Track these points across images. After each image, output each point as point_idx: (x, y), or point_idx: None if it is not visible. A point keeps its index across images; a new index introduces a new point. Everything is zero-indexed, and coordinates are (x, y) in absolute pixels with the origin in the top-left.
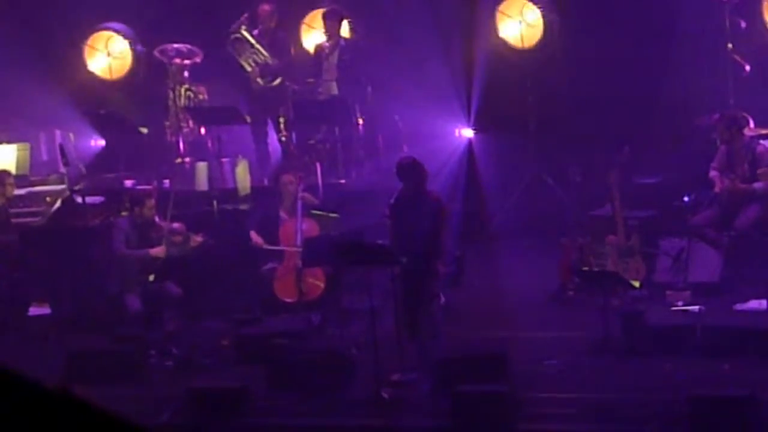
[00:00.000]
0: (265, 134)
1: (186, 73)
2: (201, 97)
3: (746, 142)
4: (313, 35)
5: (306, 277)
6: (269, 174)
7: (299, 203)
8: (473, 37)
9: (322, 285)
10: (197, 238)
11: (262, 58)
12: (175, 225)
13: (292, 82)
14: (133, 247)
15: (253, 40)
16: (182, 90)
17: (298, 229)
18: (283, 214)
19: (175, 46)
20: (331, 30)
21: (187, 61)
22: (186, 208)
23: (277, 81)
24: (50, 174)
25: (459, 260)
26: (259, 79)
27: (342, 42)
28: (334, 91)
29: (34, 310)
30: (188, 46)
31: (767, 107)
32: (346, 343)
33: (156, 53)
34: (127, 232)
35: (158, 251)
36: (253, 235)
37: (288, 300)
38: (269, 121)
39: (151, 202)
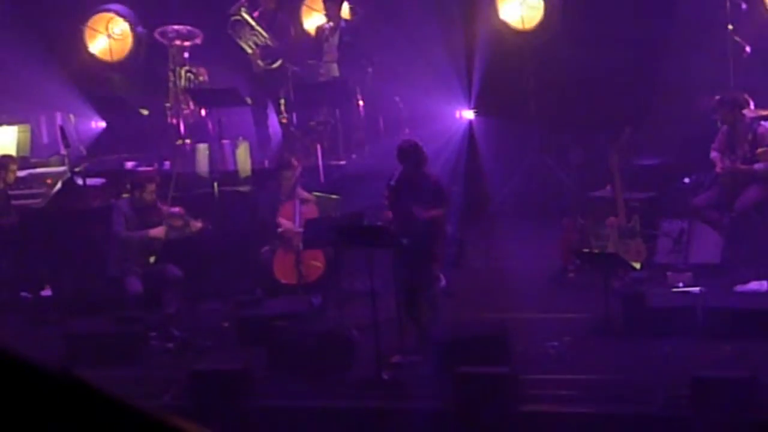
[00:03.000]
0: (266, 116)
1: (186, 55)
2: (201, 78)
3: (747, 123)
4: (313, 17)
5: (305, 260)
6: (270, 159)
7: (298, 188)
8: (474, 18)
9: (321, 267)
10: (197, 224)
11: (263, 39)
12: (175, 209)
13: (293, 63)
14: (133, 229)
15: (253, 22)
16: (182, 72)
17: (297, 211)
18: (282, 198)
19: (175, 27)
20: (332, 11)
21: (187, 43)
22: (187, 190)
23: (278, 63)
24: (51, 156)
25: (459, 242)
26: (259, 61)
27: (342, 23)
28: (335, 72)
29: (45, 292)
30: (188, 28)
31: None
32: (347, 325)
33: (156, 35)
34: (127, 215)
35: (158, 232)
36: (283, 221)
37: (287, 282)
38: (270, 103)
39: (152, 186)
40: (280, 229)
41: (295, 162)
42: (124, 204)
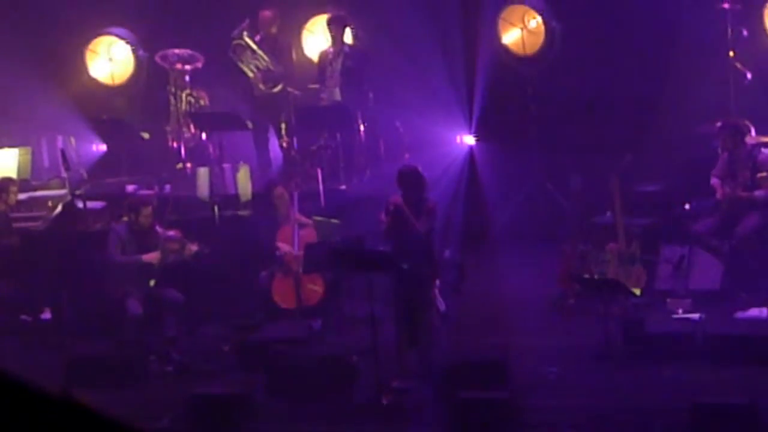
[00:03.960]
0: (267, 140)
1: (187, 78)
2: (202, 102)
3: (747, 149)
4: (314, 41)
5: (305, 284)
6: (264, 185)
7: (294, 210)
8: (475, 44)
9: (320, 291)
10: (192, 247)
11: (264, 63)
12: (171, 233)
13: (294, 87)
14: (130, 253)
15: (254, 46)
16: (183, 95)
17: (295, 235)
18: (279, 221)
19: (176, 51)
20: (336, 35)
21: (188, 67)
22: (187, 214)
23: (279, 87)
24: (52, 179)
25: (460, 267)
26: (261, 85)
27: (346, 48)
28: (338, 97)
29: (45, 315)
30: (189, 52)
31: None
32: (347, 350)
33: (157, 59)
34: (123, 238)
35: (151, 257)
36: (282, 245)
37: (287, 306)
38: (270, 127)
39: (148, 209)
40: (278, 253)
41: (281, 188)
42: (121, 228)
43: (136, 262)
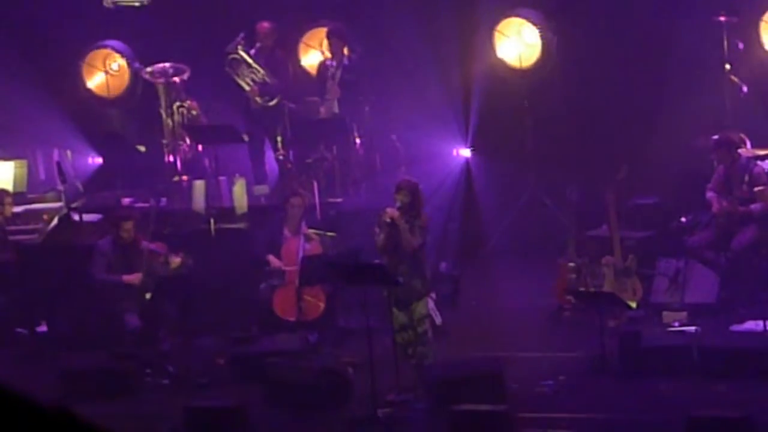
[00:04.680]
0: (263, 153)
1: (176, 90)
2: (194, 113)
3: (743, 163)
4: (311, 54)
5: (306, 297)
6: (273, 192)
7: (303, 224)
8: (471, 56)
9: (322, 305)
10: (176, 259)
11: (260, 76)
12: (153, 246)
13: (290, 101)
14: (117, 268)
15: (250, 60)
16: (174, 107)
17: (301, 248)
18: (286, 233)
19: (160, 65)
20: (336, 48)
21: (175, 79)
22: (183, 227)
23: (275, 100)
24: (48, 191)
25: (455, 280)
26: (257, 98)
27: (345, 61)
28: (336, 109)
29: (41, 328)
30: (174, 64)
31: (764, 128)
32: (343, 363)
33: (144, 74)
34: (109, 255)
35: (132, 278)
36: (272, 259)
37: (288, 319)
38: (267, 140)
39: (129, 224)
40: (268, 267)
41: (302, 191)
42: (105, 244)
43: (117, 282)
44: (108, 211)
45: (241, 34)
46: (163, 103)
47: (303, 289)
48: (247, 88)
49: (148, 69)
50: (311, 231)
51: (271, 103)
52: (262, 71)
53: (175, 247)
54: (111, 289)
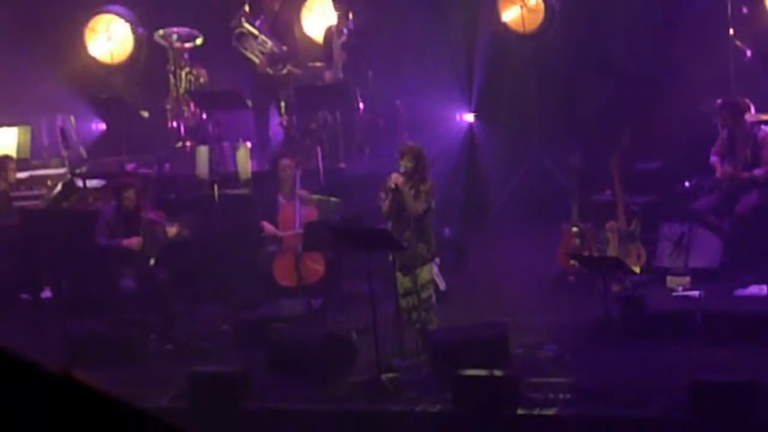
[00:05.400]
0: (266, 118)
1: (186, 57)
2: (202, 80)
3: (747, 127)
4: (313, 20)
5: (305, 262)
6: (269, 158)
7: (297, 187)
8: (475, 21)
9: (321, 270)
10: (172, 229)
11: (268, 48)
12: (152, 215)
13: (295, 66)
14: (118, 235)
15: (255, 32)
16: (183, 74)
17: (297, 213)
18: (281, 199)
19: (175, 29)
20: (342, 12)
21: (187, 45)
22: (186, 192)
23: (286, 69)
24: (51, 157)
25: (459, 245)
26: (268, 69)
27: (350, 26)
28: (340, 75)
29: (45, 293)
30: (188, 30)
31: None
32: (347, 328)
33: (156, 37)
34: (110, 221)
35: (131, 242)
36: (266, 225)
37: (287, 284)
38: (270, 106)
39: (130, 192)
40: (262, 234)
41: (287, 160)
42: (108, 210)
43: (117, 247)
44: (111, 177)
45: (244, 6)
46: (172, 68)
47: (302, 255)
48: (257, 61)
49: (160, 32)
50: (314, 196)
51: (283, 72)
52: (269, 42)
53: (178, 212)
54: (112, 254)
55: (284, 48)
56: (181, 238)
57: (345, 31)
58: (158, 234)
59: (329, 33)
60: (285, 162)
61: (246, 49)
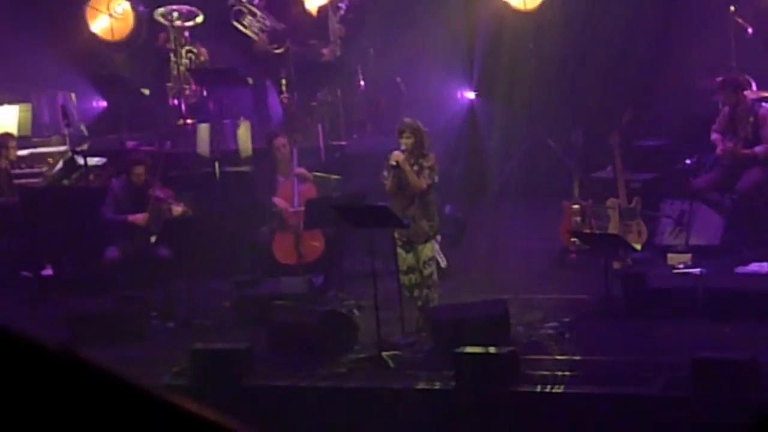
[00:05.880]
0: (266, 96)
1: (187, 34)
2: (202, 58)
3: (748, 104)
4: None
5: (305, 240)
6: (264, 137)
7: (294, 164)
8: None
9: (321, 247)
10: (177, 208)
11: (268, 24)
12: (159, 192)
13: (294, 43)
14: (125, 210)
15: (254, 9)
16: (183, 51)
17: (295, 191)
18: (279, 177)
19: (175, 7)
20: None
21: (188, 23)
22: (187, 170)
23: (285, 46)
24: (52, 135)
25: (460, 222)
26: (268, 46)
27: (346, 1)
28: (338, 52)
29: (46, 271)
30: (188, 8)
31: None
32: (348, 306)
33: (156, 15)
34: (119, 196)
35: (137, 218)
36: (277, 200)
37: (287, 262)
38: (271, 83)
39: (140, 168)
40: (275, 209)
41: (282, 139)
42: (118, 184)
43: (123, 221)
44: (114, 154)
45: None
46: (173, 46)
47: (301, 233)
48: (256, 38)
49: (161, 10)
50: (315, 174)
51: (280, 50)
52: (268, 20)
53: (179, 190)
54: (114, 228)
55: (282, 25)
56: (185, 216)
57: (342, 5)
58: (164, 212)
59: (323, 9)
60: (279, 141)
61: (245, 27)
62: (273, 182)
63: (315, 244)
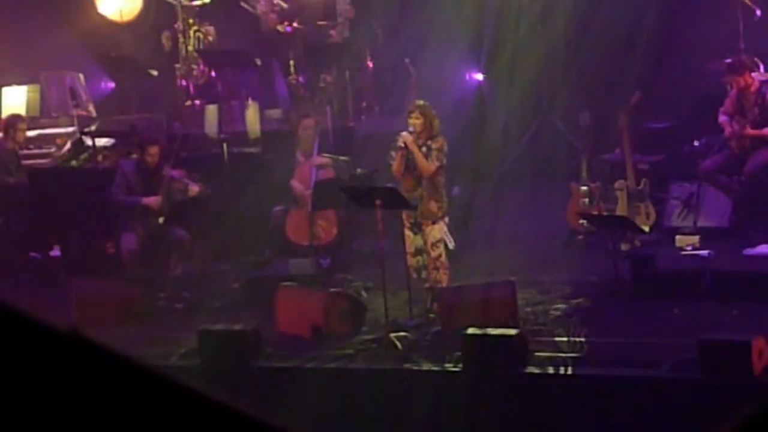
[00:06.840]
0: (272, 77)
1: (195, 15)
2: (210, 38)
3: (756, 86)
4: None
5: (319, 221)
6: (284, 116)
7: (316, 146)
8: None
9: (335, 230)
10: (194, 188)
11: (276, 4)
12: (175, 173)
13: (303, 24)
14: (136, 190)
15: None
16: (191, 32)
17: (313, 172)
18: (300, 157)
19: None
20: None
21: (195, 3)
22: (196, 151)
23: (293, 26)
24: (60, 116)
25: (468, 204)
26: (279, 27)
27: None
28: (347, 33)
29: (54, 252)
30: None
31: None
32: (356, 287)
33: None
34: (130, 177)
35: (151, 201)
36: (295, 183)
37: (298, 241)
38: (279, 64)
39: (155, 149)
40: (292, 192)
41: (311, 120)
42: (129, 165)
43: (136, 203)
44: (126, 135)
45: None
46: (180, 27)
47: (316, 214)
48: (263, 18)
49: None
50: (324, 156)
51: (288, 30)
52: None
53: (188, 171)
54: (125, 211)
55: (290, 5)
56: (203, 196)
57: None
58: (177, 193)
59: None
60: (308, 121)
61: (253, 7)
62: (291, 161)
63: (329, 227)
